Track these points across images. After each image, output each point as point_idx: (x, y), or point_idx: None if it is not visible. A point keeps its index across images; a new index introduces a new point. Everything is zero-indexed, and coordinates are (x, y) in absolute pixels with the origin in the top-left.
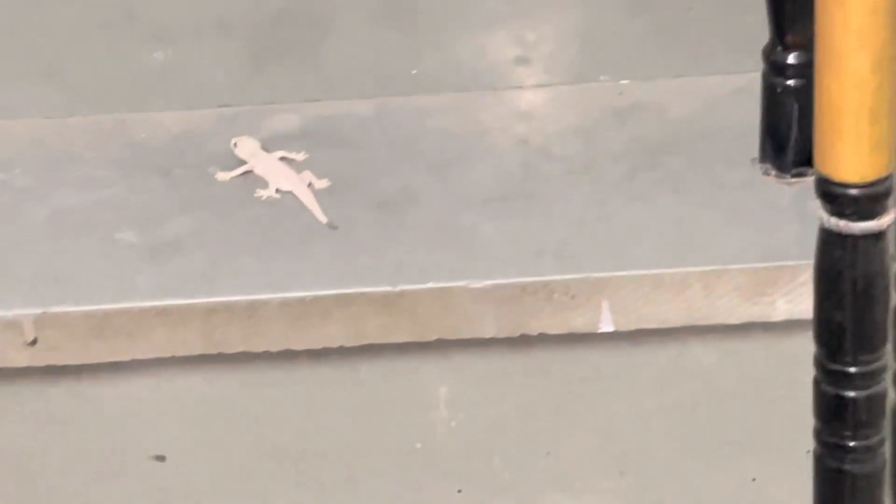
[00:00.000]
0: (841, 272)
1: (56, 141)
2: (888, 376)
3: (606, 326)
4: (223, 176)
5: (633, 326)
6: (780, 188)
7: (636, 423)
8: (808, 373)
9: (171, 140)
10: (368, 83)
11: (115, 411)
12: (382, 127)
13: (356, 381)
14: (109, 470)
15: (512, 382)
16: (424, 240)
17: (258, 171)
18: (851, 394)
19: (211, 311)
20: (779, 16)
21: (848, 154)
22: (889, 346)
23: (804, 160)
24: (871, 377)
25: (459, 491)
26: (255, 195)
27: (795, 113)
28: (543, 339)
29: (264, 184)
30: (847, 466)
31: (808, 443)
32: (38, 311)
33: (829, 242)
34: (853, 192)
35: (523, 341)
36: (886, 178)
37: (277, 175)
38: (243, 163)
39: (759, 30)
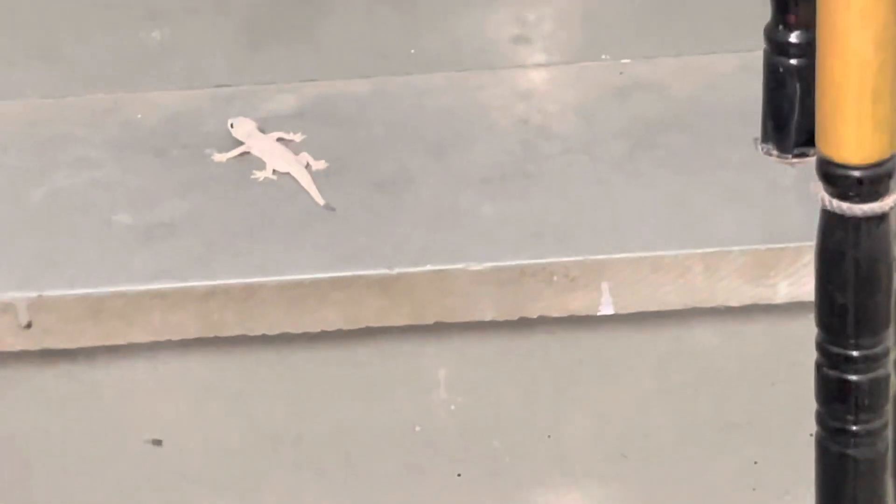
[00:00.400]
0: (843, 254)
1: (51, 121)
2: (891, 360)
3: (607, 309)
4: (219, 157)
5: (633, 309)
6: (782, 168)
7: (637, 407)
8: (810, 355)
9: (167, 120)
10: (366, 63)
11: (110, 395)
12: (381, 107)
13: (354, 364)
14: (105, 454)
15: (512, 365)
16: (423, 221)
17: (255, 151)
18: (854, 377)
19: (207, 294)
20: None
21: (850, 135)
22: (892, 330)
23: (806, 140)
24: (874, 360)
25: (459, 475)
26: (252, 176)
27: (797, 93)
28: (543, 322)
29: (261, 165)
30: (850, 451)
31: (810, 426)
32: (33, 294)
33: (832, 224)
34: (856, 173)
35: (523, 324)
36: (889, 160)
37: (274, 156)
38: (240, 143)
39: (761, 7)
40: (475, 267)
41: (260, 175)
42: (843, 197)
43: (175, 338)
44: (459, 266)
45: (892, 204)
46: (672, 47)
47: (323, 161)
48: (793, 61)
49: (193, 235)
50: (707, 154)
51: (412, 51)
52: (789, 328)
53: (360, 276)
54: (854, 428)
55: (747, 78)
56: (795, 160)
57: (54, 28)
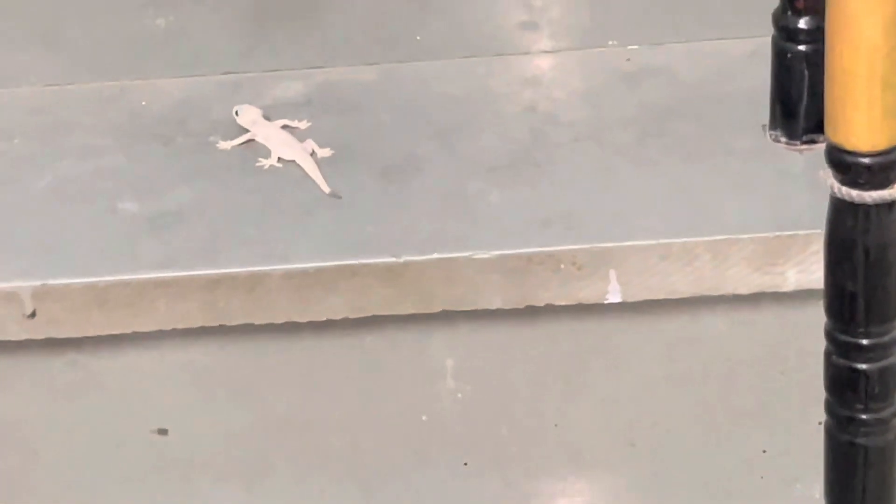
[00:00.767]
0: (853, 242)
1: (56, 109)
2: None
3: (614, 297)
4: (225, 144)
5: (641, 297)
6: (791, 155)
7: (645, 395)
8: (819, 343)
9: (172, 108)
10: (373, 49)
11: (116, 384)
12: (387, 94)
13: (361, 352)
14: (111, 443)
15: (519, 354)
16: (430, 209)
17: (260, 139)
18: (863, 366)
19: (213, 282)
20: None
21: (860, 122)
22: None
23: (815, 126)
24: (884, 349)
25: (466, 464)
26: (258, 164)
27: (806, 79)
28: (550, 310)
29: (266, 152)
30: (859, 439)
31: (819, 414)
32: (38, 283)
33: (841, 212)
34: (865, 160)
35: (530, 312)
36: None
37: (280, 143)
38: (245, 131)
39: None
40: (482, 255)
41: (265, 163)
42: (852, 184)
43: (181, 326)
44: (466, 254)
45: None
46: (680, 33)
47: (328, 148)
48: (801, 47)
49: (199, 223)
50: (715, 141)
51: (418, 37)
52: (798, 316)
53: (366, 265)
54: (863, 416)
55: (755, 64)
56: (804, 146)
57: (59, 14)
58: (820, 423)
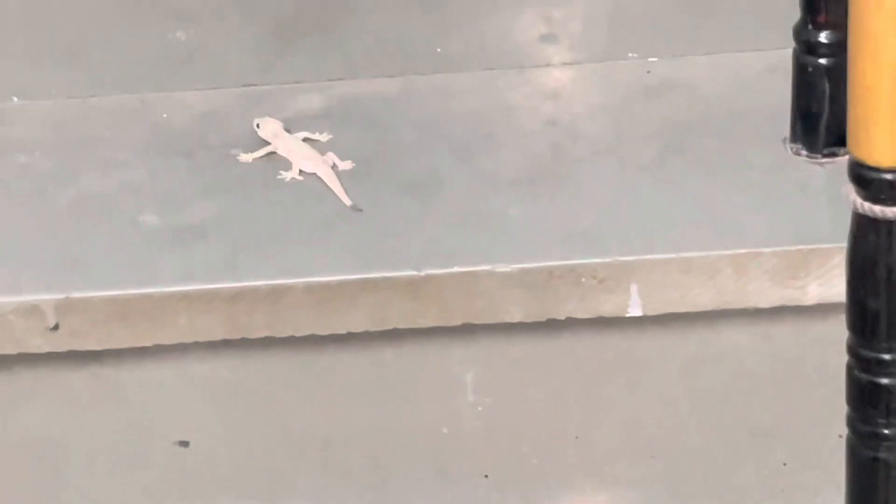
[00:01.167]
0: (876, 258)
1: (78, 122)
2: None
3: (635, 311)
4: (246, 157)
5: (662, 311)
6: (812, 168)
7: (666, 408)
8: (840, 357)
9: (193, 121)
10: (393, 62)
11: (138, 397)
12: (407, 107)
13: (382, 366)
14: (133, 456)
15: (539, 367)
16: (450, 223)
17: (281, 152)
18: (885, 381)
19: (235, 296)
20: None
21: (882, 138)
22: None
23: (836, 140)
24: None
25: (486, 476)
26: (279, 177)
27: (827, 92)
28: (571, 324)
29: (287, 165)
30: (881, 454)
31: (839, 428)
32: (60, 296)
33: (863, 228)
34: (888, 176)
35: (551, 326)
36: None
37: (301, 156)
38: (266, 144)
39: (790, 5)
40: (503, 269)
41: (286, 175)
42: (875, 200)
43: (202, 340)
44: (487, 268)
45: None
46: (700, 46)
47: (349, 161)
48: (822, 61)
49: (220, 237)
50: (736, 154)
51: (439, 50)
52: (819, 330)
53: (387, 278)
54: (885, 432)
55: (776, 77)
56: (825, 160)
57: (80, 28)
58: (840, 437)
